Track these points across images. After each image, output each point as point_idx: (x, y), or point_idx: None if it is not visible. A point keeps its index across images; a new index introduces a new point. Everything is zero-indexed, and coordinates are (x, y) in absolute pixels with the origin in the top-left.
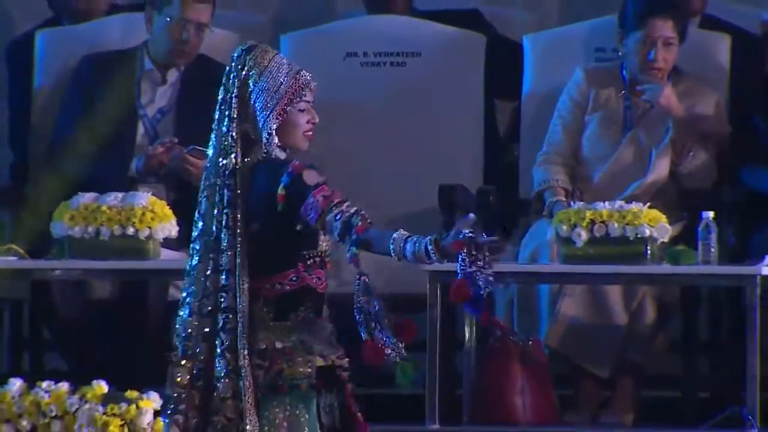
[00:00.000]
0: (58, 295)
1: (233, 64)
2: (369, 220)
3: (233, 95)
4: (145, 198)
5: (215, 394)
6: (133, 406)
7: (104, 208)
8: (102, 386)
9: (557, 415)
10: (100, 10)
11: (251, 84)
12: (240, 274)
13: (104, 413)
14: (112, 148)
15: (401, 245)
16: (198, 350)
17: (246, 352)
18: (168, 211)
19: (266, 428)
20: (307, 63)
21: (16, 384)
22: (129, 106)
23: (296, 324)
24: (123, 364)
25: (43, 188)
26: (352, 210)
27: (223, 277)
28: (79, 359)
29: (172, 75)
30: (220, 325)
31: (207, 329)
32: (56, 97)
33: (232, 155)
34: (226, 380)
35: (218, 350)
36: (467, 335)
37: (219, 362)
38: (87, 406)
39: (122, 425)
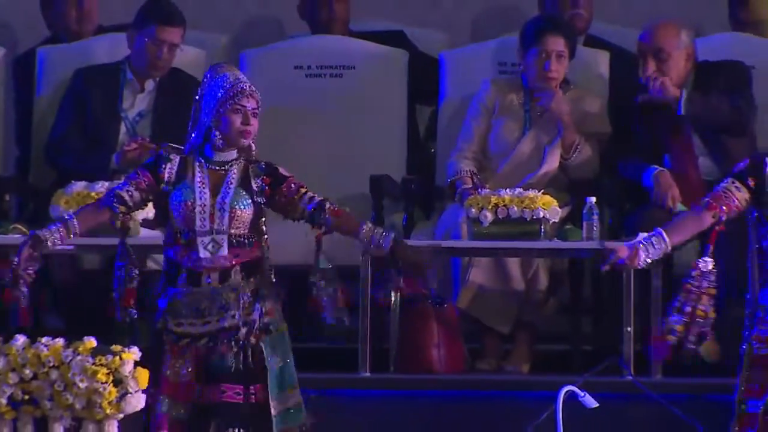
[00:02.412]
0: (56, 265)
1: (203, 78)
2: (124, 215)
3: (195, 101)
4: None
5: None
6: (117, 358)
7: (93, 194)
8: (92, 341)
9: (467, 365)
10: (90, 31)
11: (204, 89)
12: None
13: (93, 364)
14: (99, 145)
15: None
16: None
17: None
18: None
19: None
20: (261, 75)
21: (20, 339)
22: (113, 110)
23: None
24: (109, 323)
25: (43, 178)
26: (119, 197)
27: None
28: (73, 319)
29: (149, 84)
30: None
31: None
32: (54, 103)
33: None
34: None
35: None
36: (393, 299)
37: None
38: (79, 357)
39: (108, 373)
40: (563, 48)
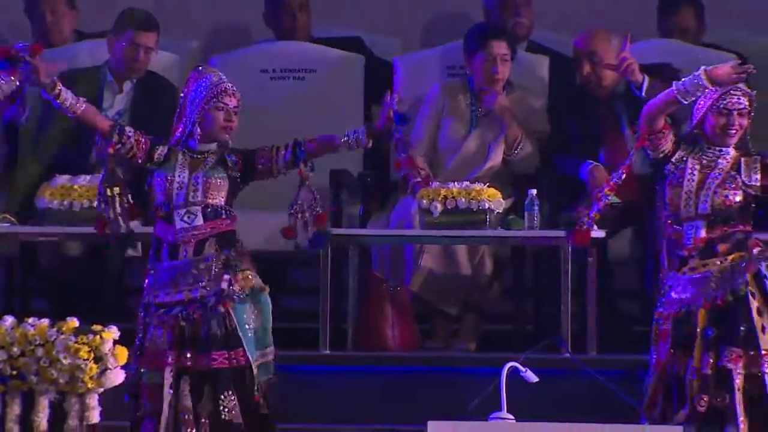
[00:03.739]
0: (41, 252)
1: (187, 78)
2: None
3: (180, 98)
4: None
5: None
6: (98, 337)
7: (76, 186)
8: (74, 321)
9: (418, 343)
10: (69, 37)
11: (188, 88)
12: None
13: (76, 342)
14: (81, 141)
15: None
16: None
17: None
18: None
19: None
20: (230, 77)
21: (8, 320)
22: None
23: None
24: (90, 304)
25: (30, 172)
26: (123, 128)
27: None
28: (57, 301)
29: (127, 86)
30: None
31: None
32: (40, 103)
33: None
34: None
35: None
36: (351, 282)
37: None
38: (63, 336)
39: (89, 351)
40: (507, 51)
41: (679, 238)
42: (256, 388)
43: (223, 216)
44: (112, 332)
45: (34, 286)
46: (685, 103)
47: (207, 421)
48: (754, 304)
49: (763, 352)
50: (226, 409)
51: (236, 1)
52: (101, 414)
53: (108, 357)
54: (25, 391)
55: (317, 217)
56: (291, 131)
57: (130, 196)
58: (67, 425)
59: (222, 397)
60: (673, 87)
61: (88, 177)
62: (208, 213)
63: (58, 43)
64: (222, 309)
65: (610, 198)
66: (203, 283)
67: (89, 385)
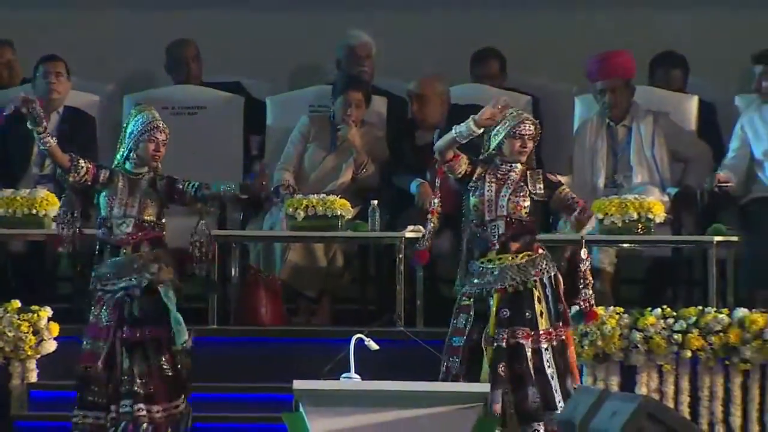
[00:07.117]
0: None
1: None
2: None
3: (122, 129)
4: (43, 192)
5: None
6: (36, 315)
7: (18, 197)
8: (17, 302)
9: (286, 320)
10: (18, 80)
11: (128, 122)
12: None
13: (18, 319)
14: (19, 162)
15: None
16: None
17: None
18: (56, 200)
19: None
20: None
21: None
22: (28, 139)
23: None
24: (29, 289)
25: None
26: (79, 163)
27: None
28: (2, 287)
29: (54, 117)
30: None
31: None
32: None
33: (113, 165)
34: None
35: None
36: (233, 272)
37: None
38: (8, 315)
39: (29, 326)
40: (361, 98)
41: (484, 235)
42: (177, 355)
43: (155, 228)
44: (47, 311)
45: None
46: (464, 142)
47: (149, 369)
48: (536, 294)
49: (542, 332)
50: (165, 367)
51: (144, 52)
52: (38, 375)
53: (44, 331)
54: None
55: (212, 257)
56: (186, 154)
57: (77, 221)
58: (12, 383)
59: (161, 359)
60: (454, 132)
61: (28, 190)
62: (141, 224)
63: (15, 82)
64: (147, 296)
65: (433, 222)
66: (138, 272)
67: (29, 353)
